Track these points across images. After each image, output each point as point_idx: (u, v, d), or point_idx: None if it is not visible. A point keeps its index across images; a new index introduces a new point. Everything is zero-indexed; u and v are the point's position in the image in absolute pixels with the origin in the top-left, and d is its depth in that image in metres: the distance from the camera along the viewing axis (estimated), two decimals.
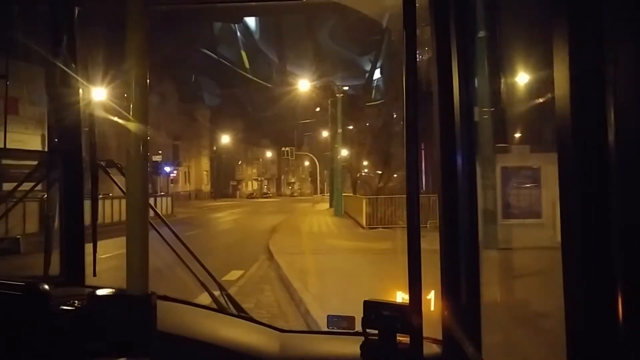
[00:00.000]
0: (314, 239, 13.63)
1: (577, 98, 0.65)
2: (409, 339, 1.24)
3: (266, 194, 68.49)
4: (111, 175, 1.67)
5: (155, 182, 42.67)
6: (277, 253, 10.39)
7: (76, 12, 1.71)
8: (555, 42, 0.68)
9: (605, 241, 0.62)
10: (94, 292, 1.16)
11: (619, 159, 0.60)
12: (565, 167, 0.68)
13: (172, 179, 47.18)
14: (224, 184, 60.37)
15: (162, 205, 25.64)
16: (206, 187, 56.10)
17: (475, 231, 1.30)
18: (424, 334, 1.22)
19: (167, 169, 43.08)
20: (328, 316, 1.58)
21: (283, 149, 45.13)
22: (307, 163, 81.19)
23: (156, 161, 42.86)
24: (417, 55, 1.16)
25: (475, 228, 1.30)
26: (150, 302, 1.06)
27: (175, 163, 47.81)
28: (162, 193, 36.73)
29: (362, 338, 1.35)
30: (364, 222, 16.79)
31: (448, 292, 1.33)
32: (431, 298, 1.34)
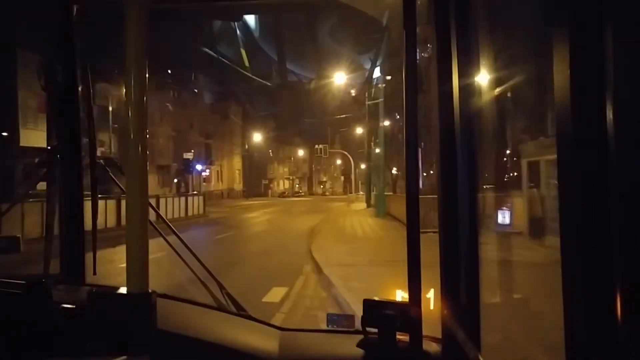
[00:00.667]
0: (363, 246, 11.71)
1: (577, 97, 0.65)
2: (408, 337, 1.29)
3: (298, 192, 68.10)
4: (111, 173, 1.72)
5: (188, 181, 42.13)
6: (326, 265, 8.56)
7: (75, 9, 1.73)
8: (555, 40, 0.69)
9: (604, 241, 0.62)
10: (94, 290, 1.26)
11: (619, 158, 0.60)
12: (565, 166, 0.69)
13: (204, 178, 46.83)
14: (255, 182, 60.43)
15: (194, 204, 24.30)
16: (238, 185, 55.95)
17: (476, 230, 1.32)
18: (424, 333, 1.27)
19: (199, 167, 42.88)
20: (328, 314, 1.60)
21: (316, 146, 43.04)
22: (338, 161, 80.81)
23: (187, 159, 42.09)
24: (418, 54, 1.22)
25: (476, 227, 1.32)
26: (150, 300, 1.08)
27: (208, 162, 47.57)
28: (195, 192, 36.23)
29: (362, 336, 1.38)
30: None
31: (448, 290, 1.34)
32: (431, 297, 1.36)
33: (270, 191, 62.49)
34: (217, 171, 50.88)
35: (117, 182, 1.61)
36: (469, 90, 1.30)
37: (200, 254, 1.76)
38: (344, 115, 40.51)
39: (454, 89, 1.28)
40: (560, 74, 0.67)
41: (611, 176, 0.61)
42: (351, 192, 50.50)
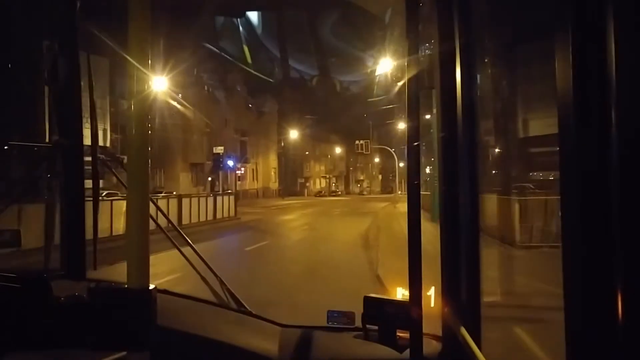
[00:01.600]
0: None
1: (579, 95, 0.67)
2: (408, 334, 1.32)
3: (335, 192, 66.64)
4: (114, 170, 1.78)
5: (218, 178, 40.17)
6: None
7: (78, 4, 1.77)
8: (558, 39, 0.71)
9: (605, 241, 0.63)
10: (95, 285, 1.25)
11: (620, 159, 0.62)
12: (566, 166, 0.71)
13: (239, 176, 45.56)
14: (291, 181, 60.27)
15: (224, 205, 21.33)
16: (274, 184, 54.95)
17: (476, 229, 1.37)
18: (424, 330, 1.30)
19: (230, 162, 40.91)
20: (328, 311, 1.64)
21: (357, 142, 39.54)
22: (376, 159, 79.24)
23: (217, 153, 40.00)
24: (420, 52, 1.26)
25: (476, 225, 1.37)
26: (150, 296, 1.10)
27: (243, 159, 46.89)
28: (229, 191, 34.55)
29: (362, 333, 1.45)
30: (515, 237, 10.36)
31: (448, 288, 1.39)
32: (431, 294, 1.41)
33: (306, 190, 60.94)
34: (253, 169, 49.96)
35: (118, 177, 1.70)
36: (471, 87, 1.34)
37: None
38: (385, 107, 37.86)
39: (457, 86, 1.33)
40: (563, 73, 0.69)
41: (612, 176, 0.62)
42: (390, 192, 49.09)
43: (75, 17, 1.73)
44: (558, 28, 0.70)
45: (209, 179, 38.37)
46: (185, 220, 16.86)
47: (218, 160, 38.52)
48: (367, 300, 1.43)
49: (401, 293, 1.41)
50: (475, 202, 1.37)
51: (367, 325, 1.44)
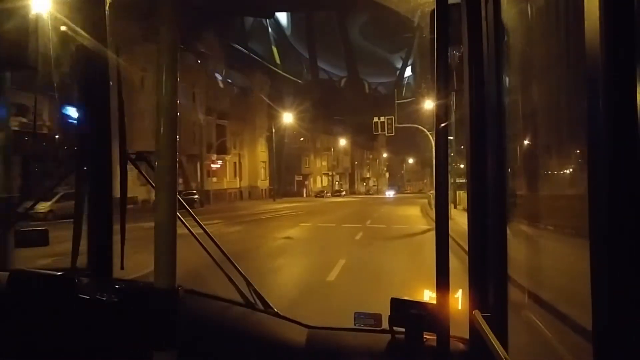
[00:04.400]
0: None
1: (608, 99, 0.79)
2: (435, 337, 1.58)
3: (338, 191, 66.60)
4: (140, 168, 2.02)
5: (183, 173, 36.98)
6: None
7: (108, 2, 2.03)
8: (588, 43, 0.84)
9: (634, 241, 0.76)
10: (122, 284, 1.55)
11: None
12: (594, 165, 0.84)
13: (213, 171, 42.83)
14: (287, 179, 57.97)
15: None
16: (263, 183, 52.44)
17: (504, 231, 1.61)
18: (451, 333, 1.54)
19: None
20: (355, 313, 1.90)
21: (376, 120, 32.90)
22: (384, 154, 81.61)
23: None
24: (449, 53, 1.51)
25: (504, 228, 1.61)
26: (177, 295, 1.30)
27: (218, 150, 44.55)
28: (194, 192, 33.04)
29: (389, 335, 1.75)
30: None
31: (475, 291, 1.63)
32: (458, 297, 1.66)
33: (305, 190, 59.88)
34: (235, 163, 47.86)
35: (146, 176, 1.99)
36: (500, 90, 1.61)
37: None
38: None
39: (486, 90, 1.60)
40: (592, 80, 0.82)
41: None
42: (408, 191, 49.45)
43: (105, 14, 1.99)
44: (587, 30, 0.83)
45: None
46: None
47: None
48: (394, 302, 1.72)
49: (428, 295, 1.69)
50: (503, 205, 1.61)
51: (394, 327, 1.72)
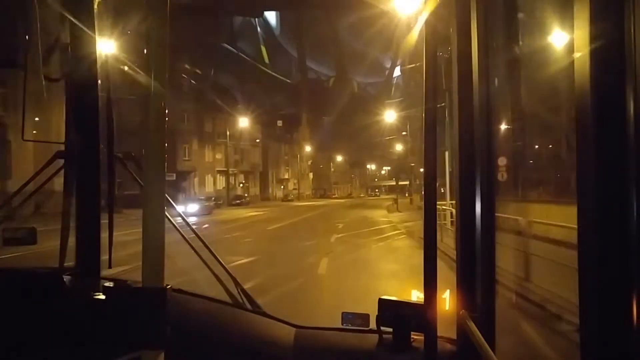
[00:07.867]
0: None
1: (597, 97, 0.81)
2: (423, 337, 1.61)
3: (240, 198, 52.51)
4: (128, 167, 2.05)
5: None
6: None
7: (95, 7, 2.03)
8: (577, 39, 0.86)
9: (621, 241, 0.77)
10: (109, 283, 1.49)
11: (638, 159, 0.75)
12: (583, 165, 0.86)
13: None
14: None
15: None
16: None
17: (492, 232, 1.63)
18: (439, 333, 1.55)
19: None
20: (343, 313, 1.93)
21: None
22: (307, 148, 68.27)
23: None
24: (438, 53, 1.53)
25: (492, 229, 1.63)
26: (165, 295, 1.29)
27: None
28: None
29: (377, 335, 1.77)
30: None
31: (463, 291, 1.65)
32: (446, 297, 1.71)
33: (184, 195, 43.57)
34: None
35: (135, 175, 2.00)
36: (487, 88, 1.62)
37: None
38: None
39: (474, 89, 1.62)
40: (581, 75, 0.83)
41: (630, 174, 0.76)
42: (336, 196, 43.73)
43: (94, 14, 1.98)
44: (577, 27, 0.85)
45: None
46: None
47: None
48: (382, 303, 1.74)
49: (416, 295, 1.71)
50: (491, 205, 1.63)
51: (382, 328, 1.74)
